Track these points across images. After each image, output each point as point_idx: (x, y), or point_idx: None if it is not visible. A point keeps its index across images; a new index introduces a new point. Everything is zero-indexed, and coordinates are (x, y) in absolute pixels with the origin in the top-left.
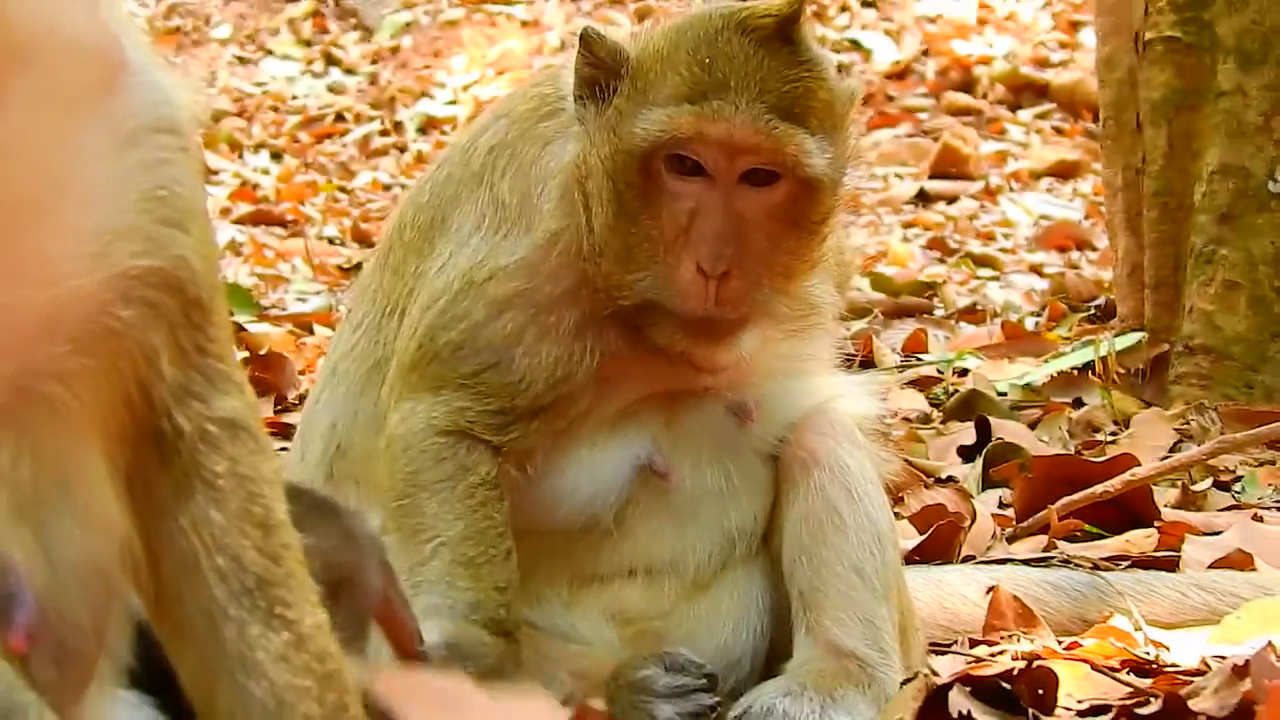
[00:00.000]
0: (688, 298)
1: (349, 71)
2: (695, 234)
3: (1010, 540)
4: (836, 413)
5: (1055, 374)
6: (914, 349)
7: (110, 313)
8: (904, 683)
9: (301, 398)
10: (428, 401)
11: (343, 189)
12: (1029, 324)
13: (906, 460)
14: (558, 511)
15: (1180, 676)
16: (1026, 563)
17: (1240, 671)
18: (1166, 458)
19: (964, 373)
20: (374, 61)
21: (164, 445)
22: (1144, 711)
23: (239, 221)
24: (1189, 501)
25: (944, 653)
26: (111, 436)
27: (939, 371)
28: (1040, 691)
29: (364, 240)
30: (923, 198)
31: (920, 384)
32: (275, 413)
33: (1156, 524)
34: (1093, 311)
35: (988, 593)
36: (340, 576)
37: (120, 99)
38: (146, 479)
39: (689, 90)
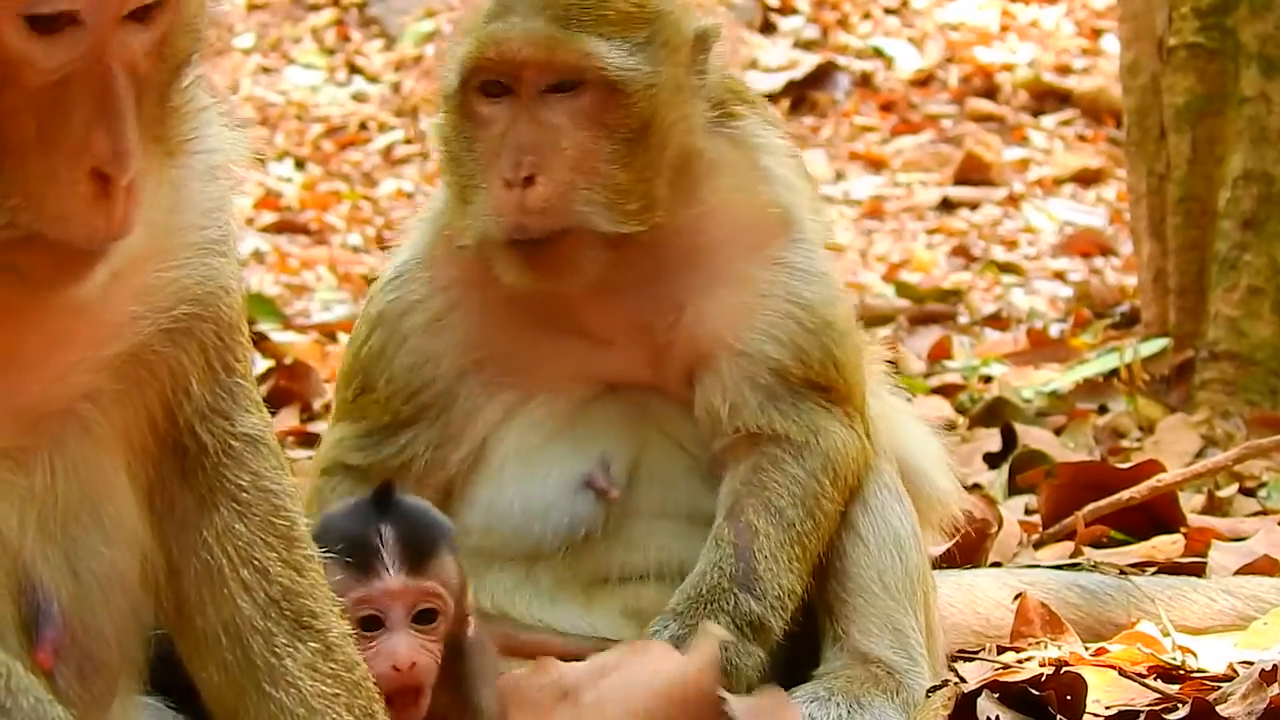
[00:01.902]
0: (500, 213)
1: (372, 80)
2: (503, 150)
3: (1037, 546)
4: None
5: (1080, 380)
6: (939, 356)
7: (151, 346)
8: (932, 690)
9: (326, 406)
10: (323, 441)
11: (366, 197)
12: (1054, 330)
13: None
14: (498, 533)
15: (1208, 682)
16: (1054, 569)
17: (1268, 676)
18: (1192, 464)
19: (989, 379)
20: (397, 70)
21: (187, 461)
22: (1172, 717)
23: (263, 230)
24: (1215, 507)
25: (972, 659)
26: (135, 453)
27: (964, 378)
28: (1068, 697)
29: (388, 249)
30: (946, 205)
31: (945, 391)
32: (301, 421)
33: (1183, 530)
34: (1117, 318)
35: (1015, 599)
36: None
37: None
38: (168, 494)
39: (481, 19)
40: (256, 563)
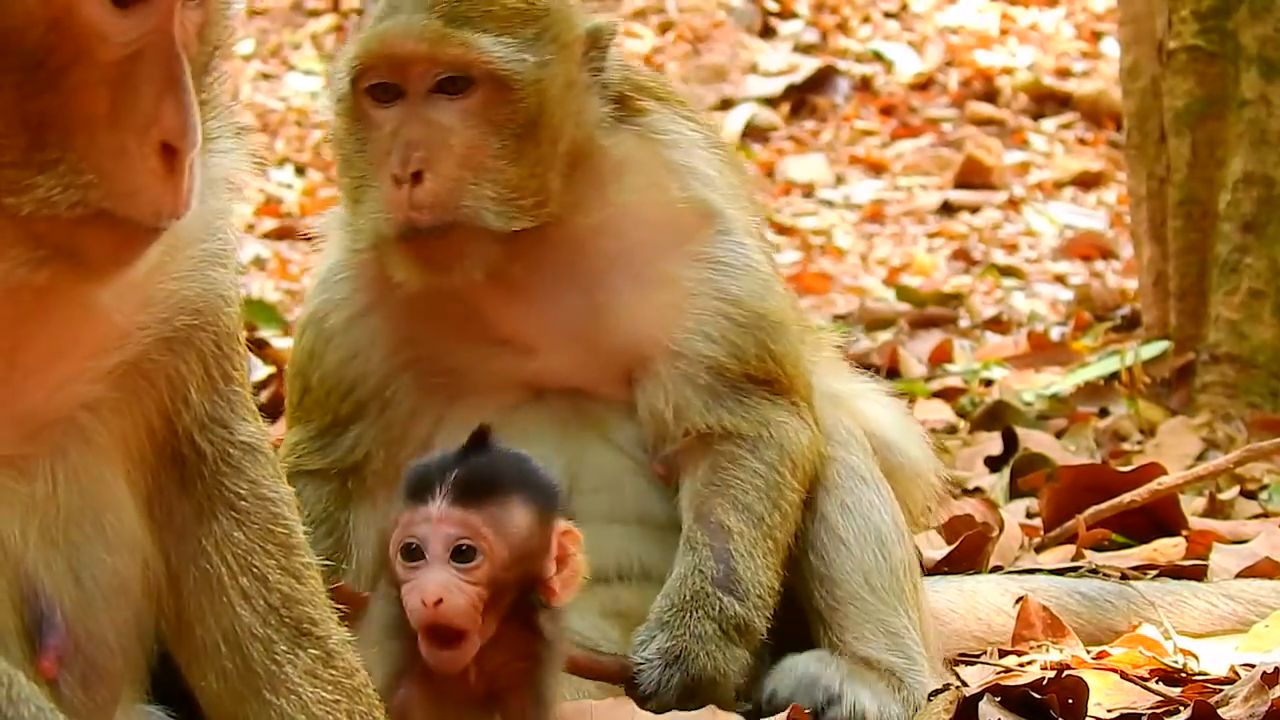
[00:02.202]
0: (390, 210)
1: None
2: (393, 149)
3: (1038, 550)
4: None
5: (1081, 384)
6: (940, 359)
7: (150, 356)
8: (933, 694)
9: None
10: (280, 450)
11: None
12: (1054, 334)
13: None
14: None
15: (1209, 685)
16: (1055, 572)
17: (1269, 679)
18: (1193, 466)
19: (990, 383)
20: None
21: (185, 469)
22: None
23: (264, 237)
24: (1216, 510)
25: (973, 663)
26: (134, 462)
27: (965, 382)
28: (1070, 701)
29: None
30: (947, 208)
31: (946, 394)
32: None
33: (1184, 533)
34: (1118, 321)
35: (1016, 603)
36: None
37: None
38: (167, 503)
39: (371, 22)
40: (255, 570)
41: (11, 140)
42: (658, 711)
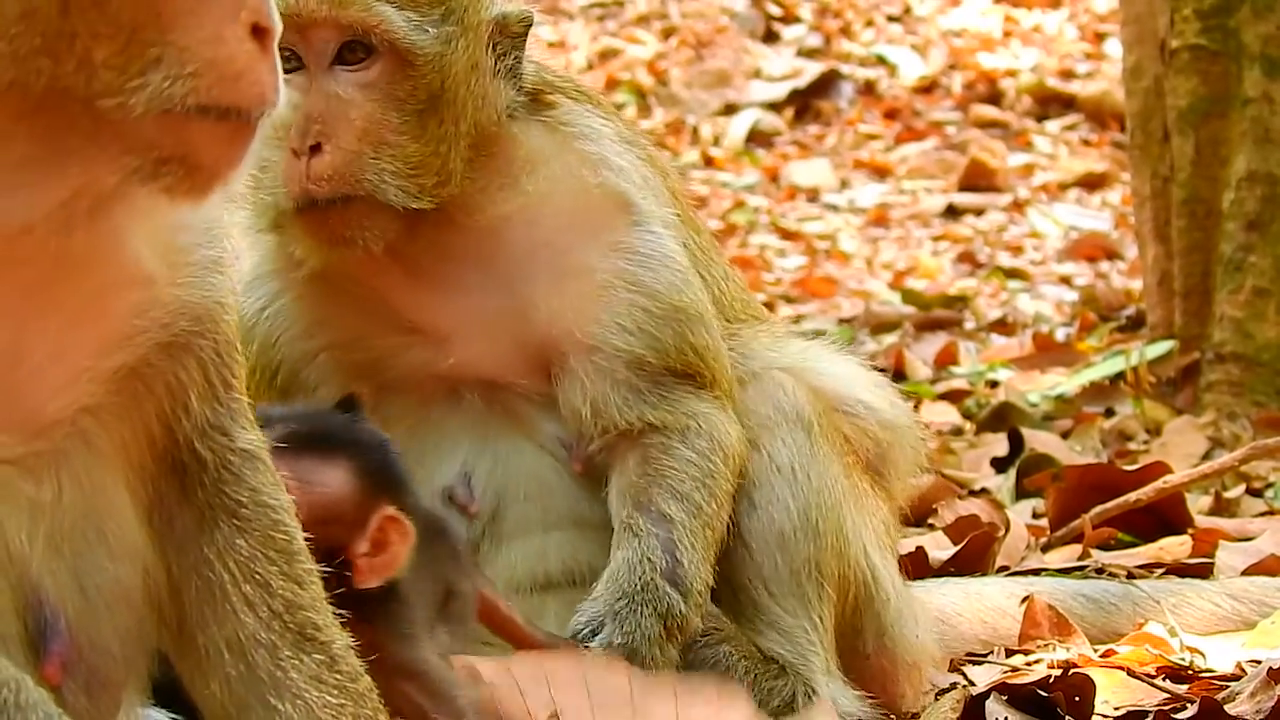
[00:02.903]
0: (289, 182)
1: None
2: (292, 122)
3: (1044, 549)
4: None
5: (1087, 384)
6: (945, 362)
7: (149, 361)
8: (940, 693)
9: None
10: None
11: None
12: (1060, 335)
13: (939, 472)
14: None
15: (1216, 681)
16: (1061, 572)
17: (1276, 675)
18: (1199, 465)
19: (995, 384)
20: None
21: (186, 478)
22: (1180, 717)
23: None
24: (1222, 508)
25: (980, 662)
26: (135, 469)
27: (970, 384)
28: (1076, 699)
29: None
30: (951, 211)
31: (952, 396)
32: None
33: (1190, 531)
34: (1123, 321)
35: (1023, 602)
36: (447, 587)
37: None
38: (167, 512)
39: None
40: (258, 577)
41: (112, 42)
42: None
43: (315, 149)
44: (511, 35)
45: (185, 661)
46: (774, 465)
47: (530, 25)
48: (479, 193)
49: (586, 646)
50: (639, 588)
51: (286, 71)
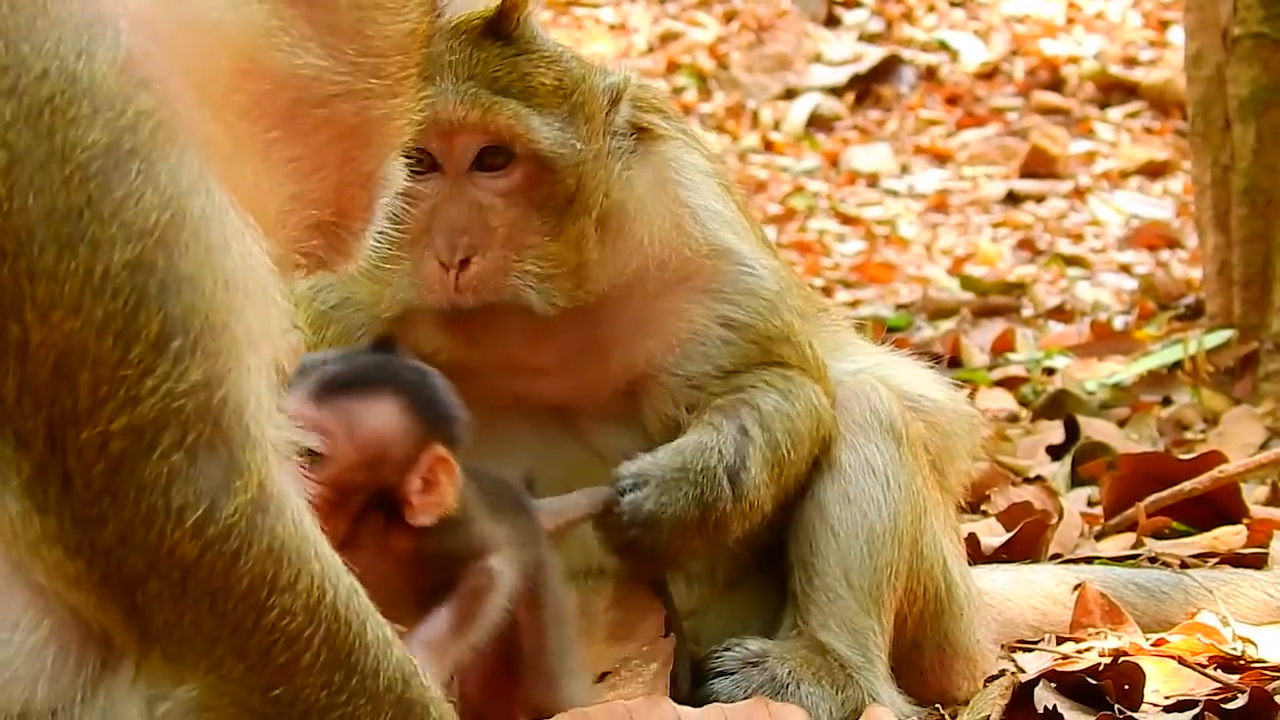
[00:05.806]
0: (431, 290)
1: None
2: (434, 229)
3: (1098, 538)
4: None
5: (1144, 372)
6: (1002, 348)
7: None
8: (990, 679)
9: None
10: None
11: None
12: (1118, 323)
13: (994, 459)
14: None
15: (1268, 672)
16: (1115, 560)
17: None
18: (1255, 455)
19: (1052, 372)
20: None
21: None
22: (1230, 707)
23: None
24: (1278, 498)
25: (1031, 649)
26: None
27: (1027, 371)
28: (1126, 687)
29: None
30: (1012, 198)
31: (1008, 383)
32: None
33: (1245, 521)
34: (1182, 310)
35: (1074, 590)
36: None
37: None
38: None
39: None
40: None
41: None
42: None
43: (464, 263)
44: (617, 101)
45: None
46: (869, 465)
47: (631, 86)
48: (600, 265)
49: (620, 499)
50: (698, 468)
51: (419, 173)
